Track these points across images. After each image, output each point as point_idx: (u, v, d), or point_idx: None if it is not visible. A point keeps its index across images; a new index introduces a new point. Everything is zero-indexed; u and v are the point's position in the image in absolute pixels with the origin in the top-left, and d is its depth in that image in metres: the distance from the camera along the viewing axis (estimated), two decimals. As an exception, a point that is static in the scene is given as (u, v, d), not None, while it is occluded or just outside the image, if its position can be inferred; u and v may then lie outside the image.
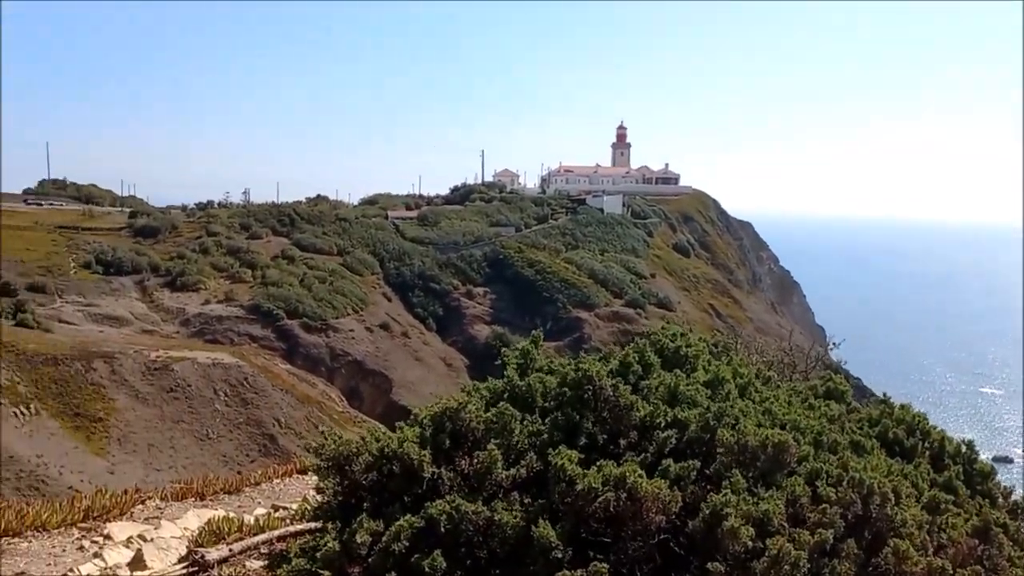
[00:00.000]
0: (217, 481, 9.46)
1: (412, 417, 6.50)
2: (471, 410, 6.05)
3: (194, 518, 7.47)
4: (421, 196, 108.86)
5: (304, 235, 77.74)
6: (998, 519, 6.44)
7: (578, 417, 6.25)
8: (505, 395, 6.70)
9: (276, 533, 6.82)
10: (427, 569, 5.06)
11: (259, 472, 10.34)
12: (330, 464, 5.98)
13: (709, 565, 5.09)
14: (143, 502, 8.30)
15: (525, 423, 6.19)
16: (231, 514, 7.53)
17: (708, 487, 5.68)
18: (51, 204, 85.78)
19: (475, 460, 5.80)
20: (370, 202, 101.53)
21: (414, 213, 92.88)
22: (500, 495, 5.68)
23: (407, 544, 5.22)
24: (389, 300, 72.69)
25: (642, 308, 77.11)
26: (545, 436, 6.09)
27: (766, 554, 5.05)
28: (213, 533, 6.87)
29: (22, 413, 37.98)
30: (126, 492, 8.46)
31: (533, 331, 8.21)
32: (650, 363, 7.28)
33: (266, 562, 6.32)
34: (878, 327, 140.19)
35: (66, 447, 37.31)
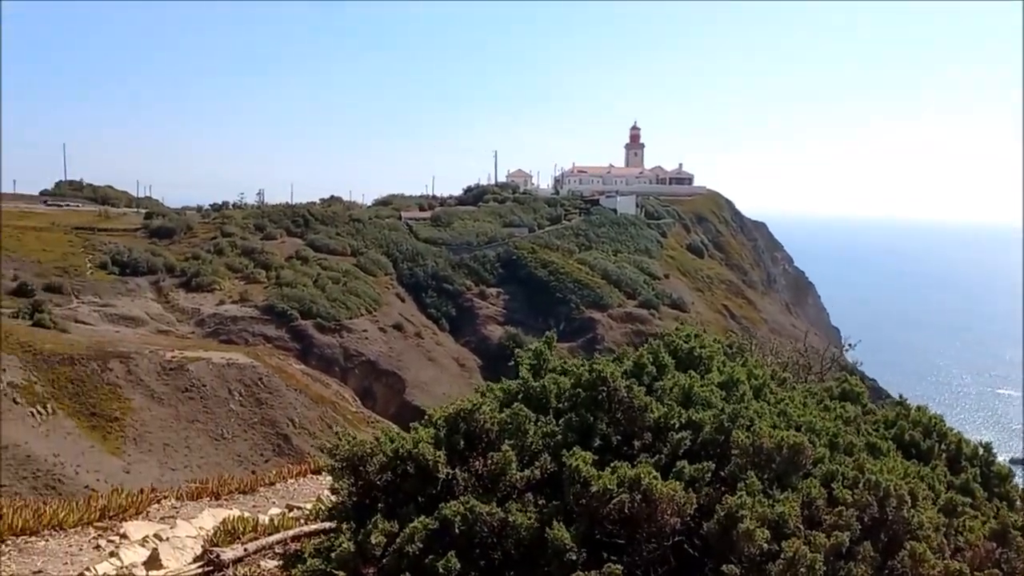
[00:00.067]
0: (232, 481, 9.51)
1: (426, 418, 6.50)
2: (485, 411, 6.05)
3: (209, 518, 7.50)
4: (434, 197, 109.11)
5: (318, 236, 78.03)
6: (1016, 522, 6.38)
7: (592, 418, 6.24)
8: (519, 396, 6.69)
9: (291, 533, 6.84)
10: (441, 570, 5.06)
11: (273, 472, 10.39)
12: (344, 465, 5.99)
13: (724, 567, 5.06)
14: (159, 501, 8.35)
15: (539, 424, 6.18)
16: (246, 514, 7.56)
17: (723, 489, 5.65)
18: (68, 205, 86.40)
19: (489, 461, 5.80)
20: (383, 203, 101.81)
21: (427, 214, 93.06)
22: (514, 496, 5.68)
23: (421, 545, 5.23)
24: (402, 300, 72.86)
25: (656, 309, 76.97)
26: (559, 437, 6.08)
27: (781, 556, 5.02)
28: (228, 533, 6.90)
29: (39, 412, 38.28)
30: (142, 491, 8.51)
31: (547, 332, 8.20)
32: (664, 364, 7.26)
33: (281, 562, 6.34)
34: (889, 327, 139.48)
35: (82, 446, 37.57)
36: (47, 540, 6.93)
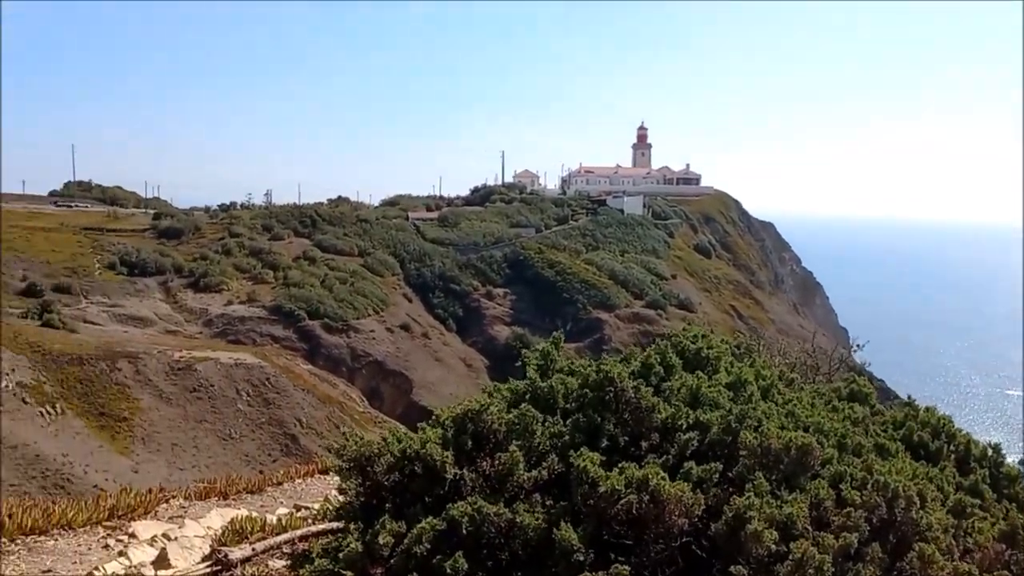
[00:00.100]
0: (240, 481, 9.54)
1: (434, 418, 6.50)
2: (493, 411, 6.05)
3: (217, 517, 7.52)
4: (441, 197, 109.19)
5: (325, 236, 78.14)
6: (1026, 524, 6.36)
7: (599, 419, 6.23)
8: (527, 396, 6.69)
9: (298, 533, 6.85)
10: (449, 571, 5.06)
11: (281, 472, 10.42)
12: (352, 465, 5.99)
13: (732, 568, 5.05)
14: (167, 501, 8.38)
15: (547, 425, 6.18)
16: (254, 514, 7.58)
17: (731, 490, 5.64)
18: (77, 206, 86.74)
19: (497, 462, 5.79)
20: (391, 203, 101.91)
21: (434, 214, 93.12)
22: (522, 497, 5.67)
23: (429, 546, 5.22)
24: (409, 301, 72.90)
25: (663, 309, 76.80)
26: (567, 438, 6.07)
27: (790, 558, 5.01)
28: (236, 532, 6.92)
29: (48, 412, 38.45)
30: (150, 491, 8.54)
31: (554, 332, 8.19)
32: (672, 365, 7.25)
33: (288, 562, 6.35)
34: (891, 327, 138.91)
35: (91, 446, 37.72)
36: (56, 539, 6.96)
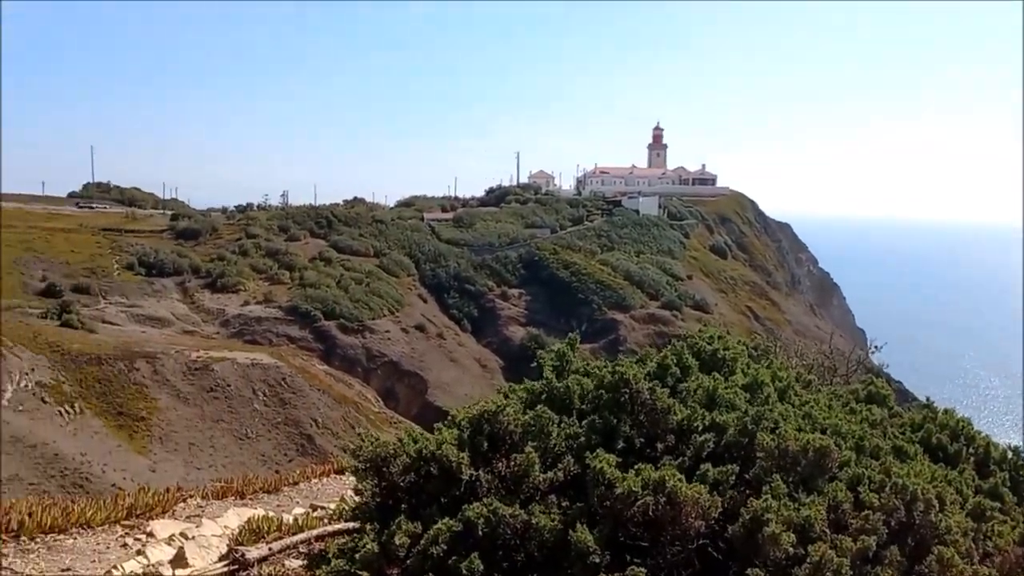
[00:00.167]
0: (256, 480, 9.57)
1: (449, 419, 6.50)
2: (509, 412, 6.04)
3: (234, 517, 7.56)
4: (456, 198, 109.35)
5: (341, 237, 78.42)
6: (1047, 527, 6.29)
7: (615, 420, 6.21)
8: (543, 397, 6.69)
9: (315, 533, 6.87)
10: (465, 572, 5.06)
11: (297, 472, 10.45)
12: (368, 465, 6.00)
13: (749, 571, 5.03)
14: (184, 500, 8.42)
15: (562, 426, 6.17)
16: (270, 513, 7.61)
17: (747, 492, 5.61)
18: (96, 207, 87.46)
19: (513, 463, 5.79)
20: (406, 204, 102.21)
21: (449, 215, 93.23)
22: (537, 498, 5.67)
23: (445, 547, 5.23)
24: (424, 301, 73.02)
25: (678, 310, 76.55)
26: (582, 439, 6.06)
27: (807, 560, 4.98)
28: (253, 532, 6.94)
29: (67, 412, 38.77)
30: (168, 490, 8.59)
31: (569, 333, 8.18)
32: (688, 366, 7.22)
33: (305, 561, 6.37)
34: (893, 327, 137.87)
35: (109, 445, 37.99)
36: (75, 538, 7.01)
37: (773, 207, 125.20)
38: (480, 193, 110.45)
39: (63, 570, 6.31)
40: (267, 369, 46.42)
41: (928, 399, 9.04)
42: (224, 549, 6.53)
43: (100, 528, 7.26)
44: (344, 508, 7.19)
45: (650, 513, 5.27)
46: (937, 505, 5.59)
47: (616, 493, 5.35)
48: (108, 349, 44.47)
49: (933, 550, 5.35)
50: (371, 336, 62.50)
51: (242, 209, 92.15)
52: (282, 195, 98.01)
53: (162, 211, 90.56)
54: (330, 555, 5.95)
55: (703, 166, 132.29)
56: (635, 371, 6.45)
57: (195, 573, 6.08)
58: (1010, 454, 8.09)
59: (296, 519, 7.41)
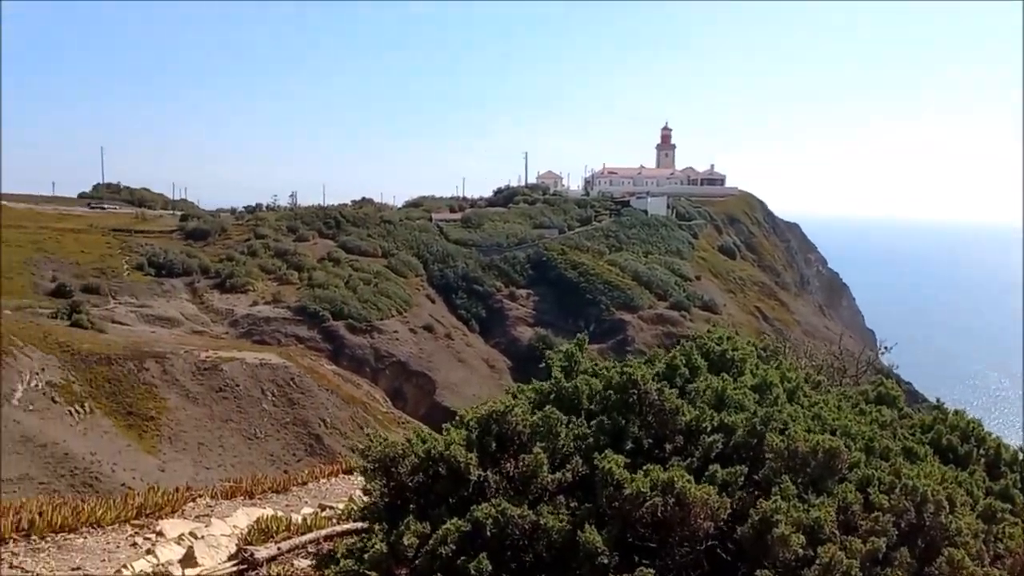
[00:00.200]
0: (265, 480, 9.60)
1: (458, 419, 6.50)
2: (518, 413, 6.03)
3: (243, 516, 7.57)
4: (465, 198, 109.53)
5: (350, 237, 78.55)
6: (1058, 530, 6.25)
7: (624, 421, 6.20)
8: (551, 397, 6.68)
9: (323, 532, 6.88)
10: (473, 572, 5.06)
11: (306, 472, 10.48)
12: (376, 466, 6.00)
13: (758, 572, 5.01)
14: (194, 500, 8.45)
15: (571, 426, 6.16)
16: (279, 513, 7.63)
17: (756, 493, 5.60)
18: (106, 208, 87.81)
19: (521, 463, 5.78)
20: (414, 204, 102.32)
21: (458, 215, 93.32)
22: (546, 499, 5.66)
23: (454, 547, 5.23)
24: (433, 302, 73.09)
25: (687, 311, 76.44)
26: (591, 440, 6.05)
27: (817, 562, 4.96)
28: (262, 531, 6.96)
29: (77, 411, 38.95)
30: (177, 490, 8.61)
31: (577, 333, 8.17)
32: (696, 367, 7.20)
33: (314, 561, 6.38)
34: (897, 327, 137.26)
35: (119, 445, 38.16)
36: (85, 537, 7.04)
37: (773, 207, 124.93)
38: (488, 193, 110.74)
39: (73, 569, 6.33)
40: (276, 369, 46.56)
41: (939, 400, 8.99)
42: (233, 549, 6.55)
43: (110, 527, 7.29)
44: (353, 508, 7.19)
45: (659, 514, 5.26)
46: (947, 507, 5.57)
47: (625, 494, 5.34)
48: (118, 349, 44.65)
49: (943, 552, 5.32)
50: (379, 336, 62.59)
51: (251, 210, 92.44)
52: (291, 196, 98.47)
53: (171, 212, 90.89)
54: (339, 555, 5.96)
55: (712, 166, 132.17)
56: (644, 372, 6.43)
57: (204, 572, 6.10)
58: (1021, 456, 8.03)
59: (305, 519, 7.43)
